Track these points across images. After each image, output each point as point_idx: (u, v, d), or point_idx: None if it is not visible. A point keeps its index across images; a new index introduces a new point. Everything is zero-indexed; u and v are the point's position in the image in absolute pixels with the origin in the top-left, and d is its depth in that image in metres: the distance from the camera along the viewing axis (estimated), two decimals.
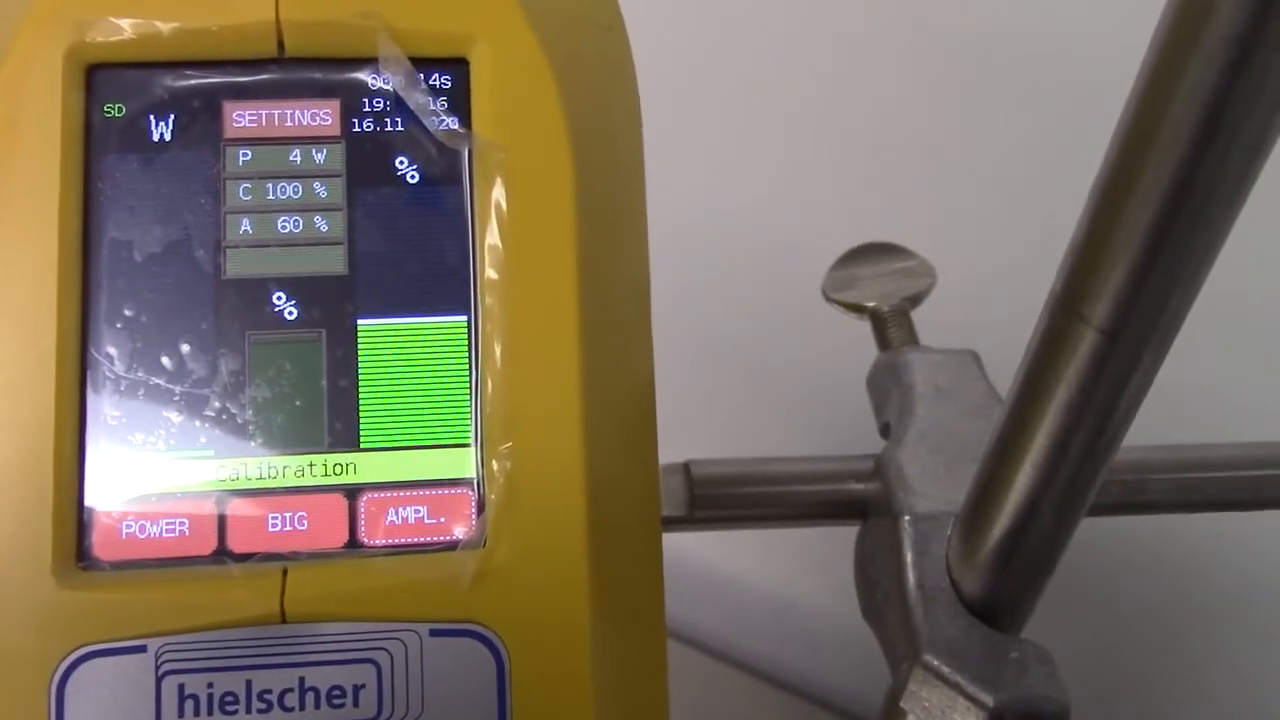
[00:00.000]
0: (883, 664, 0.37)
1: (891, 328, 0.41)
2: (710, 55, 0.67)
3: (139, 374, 0.25)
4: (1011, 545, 0.31)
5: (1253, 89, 0.22)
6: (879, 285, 0.42)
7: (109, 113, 0.26)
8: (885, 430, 0.39)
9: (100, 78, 0.26)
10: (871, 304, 0.41)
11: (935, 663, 0.32)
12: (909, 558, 0.33)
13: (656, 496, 0.29)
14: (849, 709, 0.71)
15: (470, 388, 0.26)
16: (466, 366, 0.26)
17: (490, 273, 0.26)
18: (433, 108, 0.27)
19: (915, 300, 0.42)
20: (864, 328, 0.43)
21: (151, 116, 0.26)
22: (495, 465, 0.25)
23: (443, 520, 0.26)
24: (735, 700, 0.73)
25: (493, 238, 0.26)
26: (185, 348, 0.26)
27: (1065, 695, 0.32)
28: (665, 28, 0.66)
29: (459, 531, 0.25)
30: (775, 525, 0.37)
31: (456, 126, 0.27)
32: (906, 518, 0.34)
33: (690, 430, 0.41)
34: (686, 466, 0.36)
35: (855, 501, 0.36)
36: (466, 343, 0.26)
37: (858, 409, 0.44)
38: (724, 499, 0.36)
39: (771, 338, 0.69)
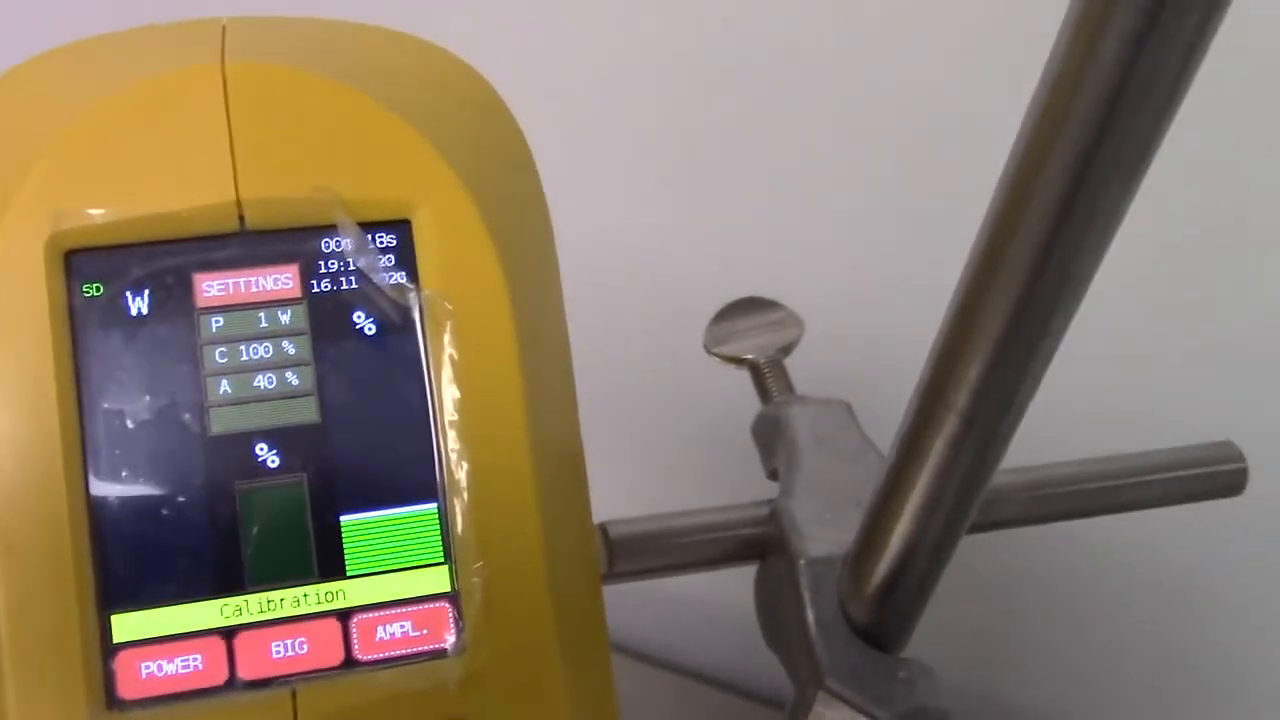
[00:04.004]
0: None
1: (770, 378, 0.46)
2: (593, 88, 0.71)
3: (143, 530, 0.28)
4: (892, 583, 0.37)
5: (1073, 242, 0.27)
6: (755, 338, 0.47)
7: (88, 292, 0.29)
8: (773, 475, 0.44)
9: (78, 261, 0.29)
10: (750, 356, 0.46)
11: (837, 687, 0.37)
12: (807, 597, 0.39)
13: (598, 571, 0.33)
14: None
15: (440, 514, 0.30)
16: (436, 496, 0.30)
17: (450, 414, 0.30)
18: (381, 265, 0.30)
19: (787, 350, 0.47)
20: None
21: (128, 293, 0.29)
22: (471, 581, 0.29)
23: (426, 632, 0.29)
24: (667, 700, 0.79)
25: (449, 383, 0.30)
26: (182, 501, 0.29)
27: (945, 702, 0.38)
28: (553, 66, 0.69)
29: (443, 641, 0.29)
30: (686, 572, 0.42)
31: (405, 281, 0.30)
32: (802, 561, 0.39)
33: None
34: (604, 528, 0.41)
35: (755, 544, 0.41)
36: (435, 481, 0.30)
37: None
38: (639, 554, 0.40)
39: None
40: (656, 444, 0.79)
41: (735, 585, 0.78)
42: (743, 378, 0.52)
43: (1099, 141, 0.26)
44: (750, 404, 0.70)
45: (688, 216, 0.73)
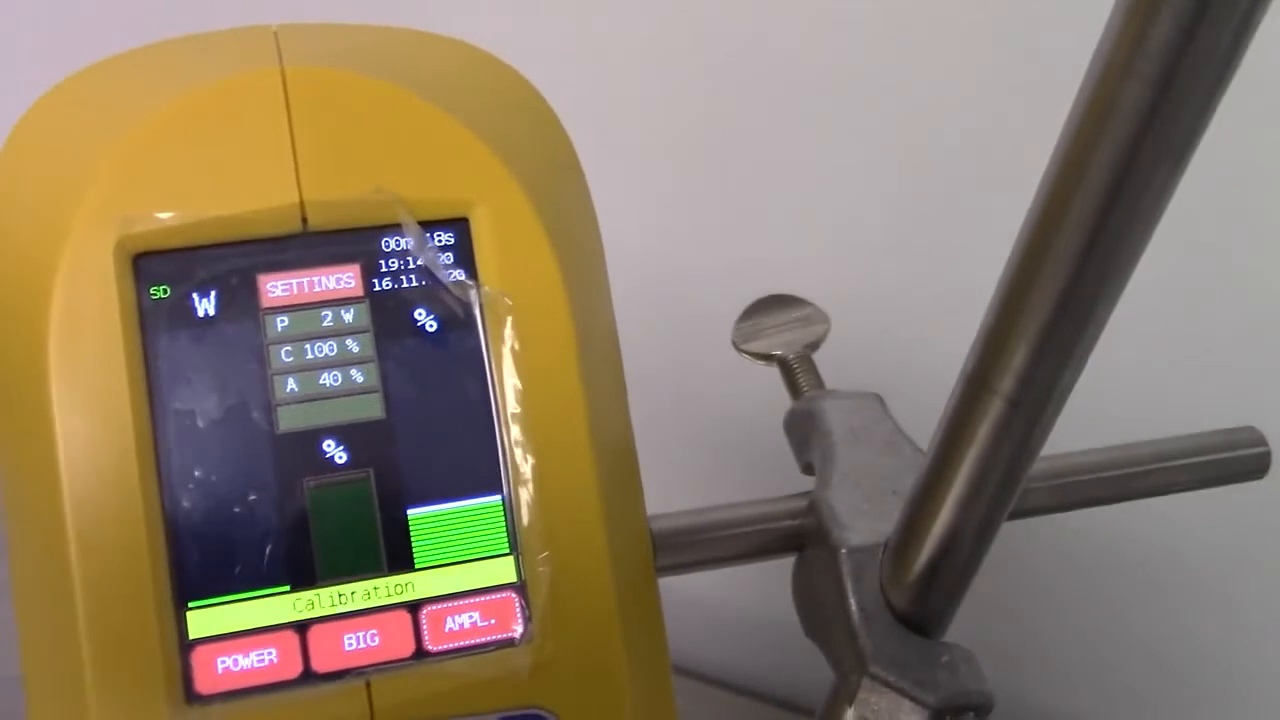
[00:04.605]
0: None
1: (799, 374, 0.46)
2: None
3: (216, 527, 0.29)
4: (934, 570, 0.38)
5: (1116, 236, 0.28)
6: (783, 335, 0.48)
7: (156, 295, 0.29)
8: (808, 469, 0.44)
9: (145, 264, 0.29)
10: (778, 352, 0.47)
11: (882, 673, 0.38)
12: (849, 585, 0.39)
13: (652, 562, 0.34)
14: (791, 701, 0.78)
15: (504, 505, 0.30)
16: (500, 488, 0.30)
17: (513, 407, 0.30)
18: (442, 263, 0.31)
19: (815, 345, 0.47)
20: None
21: (195, 295, 0.30)
22: (537, 571, 0.30)
23: (494, 622, 0.30)
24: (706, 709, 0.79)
25: (510, 376, 0.30)
26: (253, 498, 0.29)
27: (989, 686, 0.38)
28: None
29: (512, 630, 0.30)
30: (725, 565, 0.42)
31: (464, 278, 0.31)
32: (843, 551, 0.40)
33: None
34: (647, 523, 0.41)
35: (794, 536, 0.42)
36: (499, 473, 0.30)
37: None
38: (681, 548, 0.41)
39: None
40: (656, 445, 0.79)
41: (731, 586, 0.79)
42: (740, 380, 0.52)
43: (1147, 127, 0.27)
44: (746, 405, 0.71)
45: (688, 220, 0.74)
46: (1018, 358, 0.32)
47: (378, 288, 0.31)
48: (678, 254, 0.73)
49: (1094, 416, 0.50)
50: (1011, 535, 0.40)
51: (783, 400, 0.47)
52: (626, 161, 0.72)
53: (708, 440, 0.78)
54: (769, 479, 0.48)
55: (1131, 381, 0.64)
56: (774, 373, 0.48)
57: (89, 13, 0.77)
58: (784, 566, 0.45)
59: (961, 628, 0.41)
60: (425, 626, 0.30)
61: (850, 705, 0.39)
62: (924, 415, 0.44)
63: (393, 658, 0.29)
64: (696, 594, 0.78)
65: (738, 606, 0.82)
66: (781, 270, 0.70)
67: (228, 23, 0.34)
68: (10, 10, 0.79)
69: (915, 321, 0.69)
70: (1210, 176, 0.56)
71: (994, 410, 0.33)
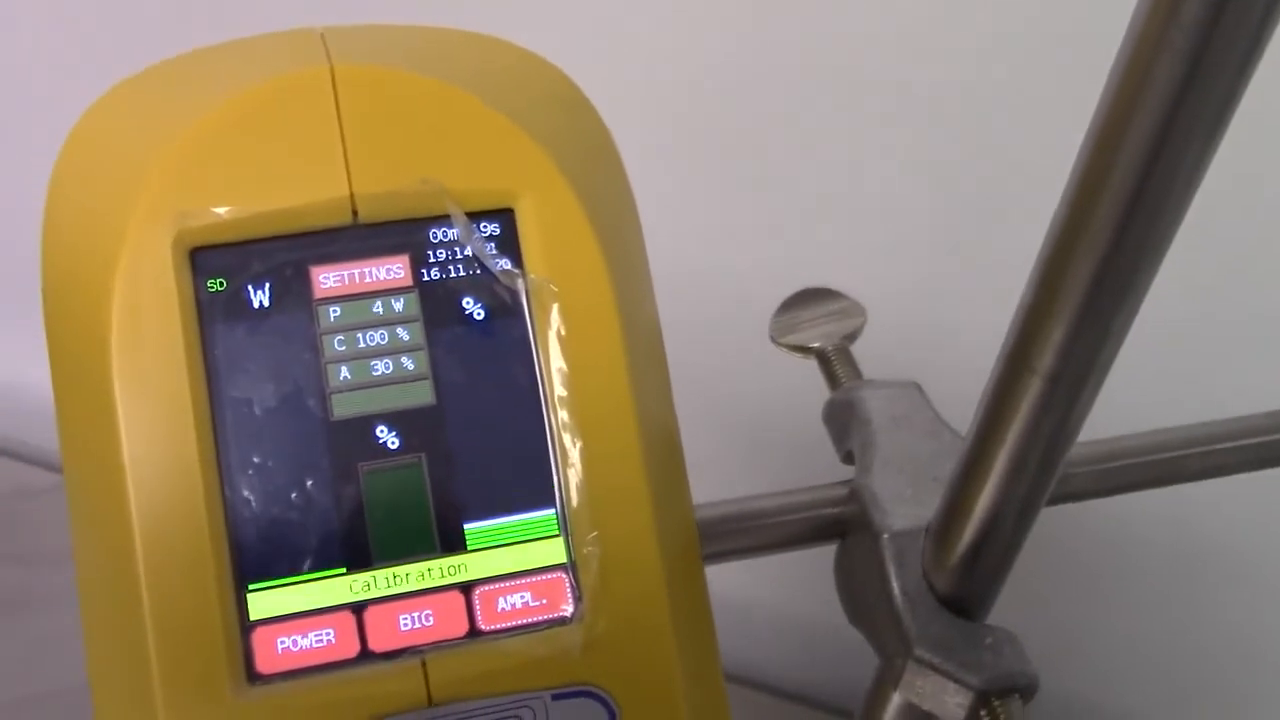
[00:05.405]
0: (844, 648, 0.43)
1: (837, 365, 0.47)
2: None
3: (274, 512, 0.30)
4: (977, 550, 0.38)
5: (1153, 209, 0.29)
6: (820, 327, 0.48)
7: (212, 287, 0.30)
8: (848, 458, 0.45)
9: (201, 258, 0.30)
10: (816, 345, 0.48)
11: (927, 656, 0.38)
12: (892, 570, 0.40)
13: (698, 546, 0.34)
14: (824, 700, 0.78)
15: (554, 488, 0.31)
16: (551, 473, 0.31)
17: (560, 391, 0.31)
18: (489, 252, 0.32)
19: (852, 337, 0.48)
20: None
21: (250, 287, 0.31)
22: (586, 551, 0.30)
23: (545, 602, 0.31)
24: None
25: (557, 360, 0.31)
26: (309, 484, 0.30)
27: (1033, 668, 0.39)
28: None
29: (562, 610, 0.31)
30: (770, 553, 0.43)
31: (510, 267, 0.32)
32: (885, 536, 0.40)
33: None
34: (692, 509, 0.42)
35: (836, 523, 0.42)
36: (549, 458, 0.31)
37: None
38: (725, 536, 0.42)
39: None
40: (690, 443, 0.79)
41: (759, 586, 0.79)
42: (766, 377, 0.52)
43: (1181, 99, 0.27)
44: (777, 399, 0.71)
45: (706, 219, 0.74)
46: (1057, 334, 0.32)
47: (426, 277, 0.31)
48: (686, 254, 0.74)
49: (1126, 405, 0.50)
50: (1050, 522, 0.41)
51: (815, 393, 0.48)
52: (641, 161, 0.73)
53: (741, 437, 0.78)
54: (806, 475, 0.48)
55: (1160, 371, 0.64)
56: (805, 366, 0.49)
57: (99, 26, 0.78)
58: (814, 565, 0.46)
59: (996, 617, 0.41)
60: (478, 606, 0.30)
61: (895, 689, 0.40)
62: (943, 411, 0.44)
63: (447, 637, 0.30)
64: (723, 595, 0.78)
65: (766, 606, 0.82)
66: (798, 269, 0.71)
67: (254, 29, 0.35)
68: (11, 11, 0.81)
69: (923, 322, 0.70)
70: (1237, 172, 0.56)
71: (1034, 389, 0.33)
